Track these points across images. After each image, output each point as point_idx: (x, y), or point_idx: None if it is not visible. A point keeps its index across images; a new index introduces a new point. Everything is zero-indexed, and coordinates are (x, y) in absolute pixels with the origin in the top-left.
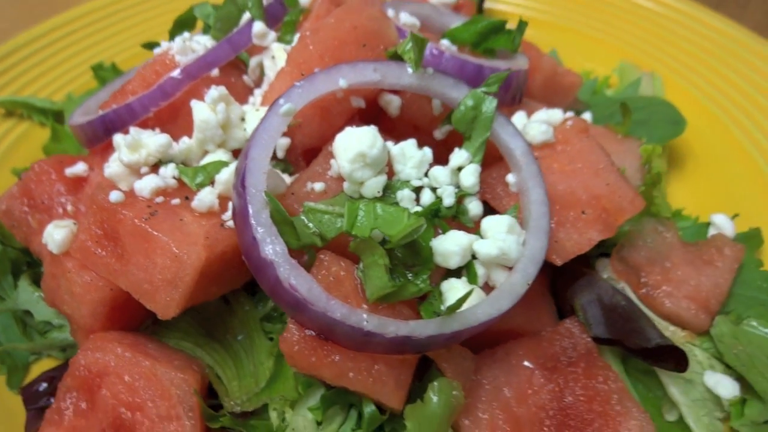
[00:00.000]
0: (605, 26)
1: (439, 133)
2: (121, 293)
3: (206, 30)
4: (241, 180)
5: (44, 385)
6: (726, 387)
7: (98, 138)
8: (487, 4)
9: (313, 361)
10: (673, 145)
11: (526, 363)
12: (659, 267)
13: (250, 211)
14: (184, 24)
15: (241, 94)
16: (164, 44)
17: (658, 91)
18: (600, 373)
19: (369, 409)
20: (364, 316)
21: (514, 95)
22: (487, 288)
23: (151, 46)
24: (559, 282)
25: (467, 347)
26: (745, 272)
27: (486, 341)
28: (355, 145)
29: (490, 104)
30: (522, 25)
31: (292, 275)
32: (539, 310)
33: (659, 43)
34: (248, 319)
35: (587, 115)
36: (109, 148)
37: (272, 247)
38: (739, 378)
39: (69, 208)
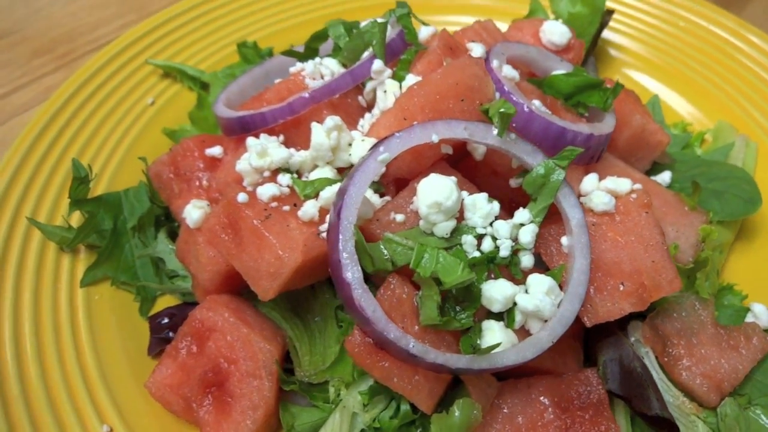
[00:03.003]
0: (712, 78)
1: (513, 182)
2: (234, 269)
3: (336, 49)
4: (338, 211)
5: (165, 319)
6: None
7: (234, 132)
8: (604, 33)
9: (368, 362)
10: (749, 217)
11: (542, 398)
12: (686, 341)
13: (340, 238)
14: (319, 38)
15: (355, 113)
16: (298, 65)
17: (750, 159)
18: (603, 423)
19: (405, 406)
20: (411, 342)
21: (593, 155)
22: (523, 331)
23: (289, 53)
24: (592, 332)
25: (496, 374)
26: None
27: (514, 372)
28: (434, 194)
29: (558, 176)
30: (617, 87)
31: (362, 297)
32: (566, 355)
33: (763, 105)
34: (326, 306)
35: (666, 175)
36: (241, 141)
37: (351, 272)
38: None
39: (204, 182)
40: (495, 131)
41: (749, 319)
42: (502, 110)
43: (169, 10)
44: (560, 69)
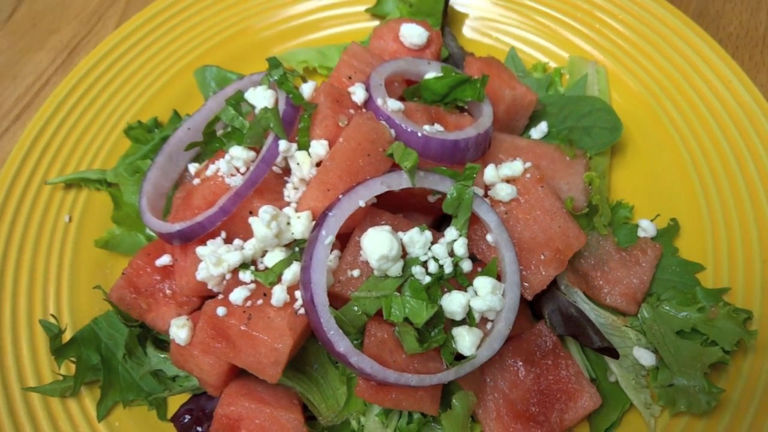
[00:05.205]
0: (553, 15)
1: (431, 198)
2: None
3: (234, 131)
4: (310, 299)
5: (187, 417)
6: (646, 358)
7: (176, 242)
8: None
9: (378, 399)
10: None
11: (512, 360)
12: (600, 272)
13: (322, 321)
14: (212, 123)
15: (277, 186)
16: (212, 167)
17: (603, 84)
18: (563, 363)
19: (416, 415)
20: (410, 378)
21: (484, 148)
22: (483, 321)
23: (193, 145)
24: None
25: None
26: (664, 259)
27: None
28: (378, 249)
29: (469, 194)
30: (485, 78)
31: (359, 361)
32: (520, 319)
33: (606, 32)
34: (319, 353)
35: (543, 125)
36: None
37: (343, 345)
38: (656, 351)
39: (167, 291)
40: (406, 176)
41: (640, 234)
42: (407, 164)
43: (37, 119)
44: (431, 71)
